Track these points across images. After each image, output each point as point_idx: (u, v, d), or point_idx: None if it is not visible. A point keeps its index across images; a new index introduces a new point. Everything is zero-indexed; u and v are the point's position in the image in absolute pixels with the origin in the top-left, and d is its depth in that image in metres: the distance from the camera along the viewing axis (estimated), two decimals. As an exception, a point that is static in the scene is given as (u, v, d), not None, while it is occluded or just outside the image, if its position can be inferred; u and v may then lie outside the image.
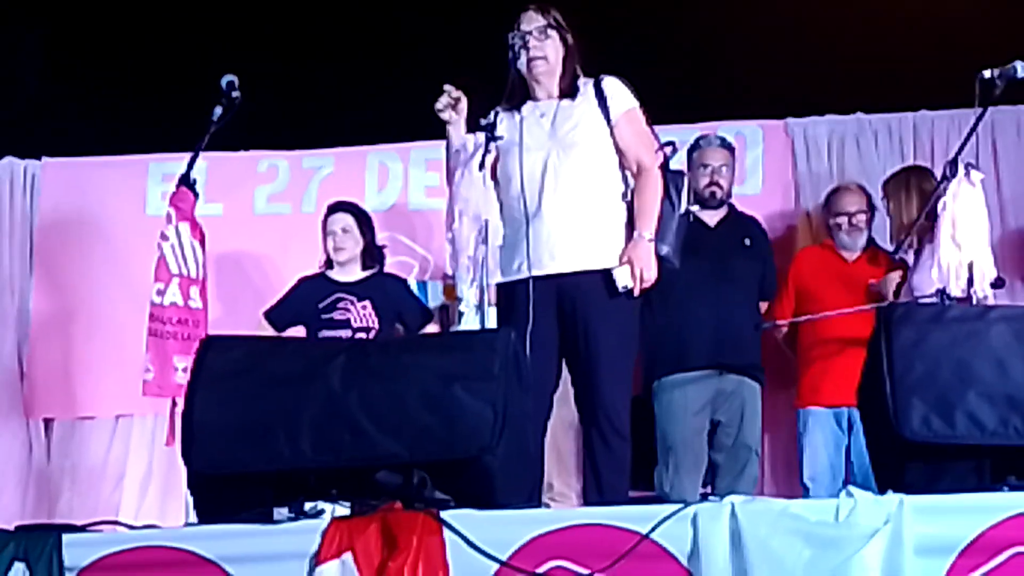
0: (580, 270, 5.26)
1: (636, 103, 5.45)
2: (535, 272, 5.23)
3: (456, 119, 5.33)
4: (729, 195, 6.80)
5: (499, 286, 5.32)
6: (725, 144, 6.83)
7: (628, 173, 5.41)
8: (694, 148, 6.82)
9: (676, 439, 6.48)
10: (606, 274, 5.26)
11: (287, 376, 4.31)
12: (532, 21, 5.42)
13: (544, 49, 5.39)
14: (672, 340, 6.54)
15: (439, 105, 5.34)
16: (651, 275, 5.28)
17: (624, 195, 5.40)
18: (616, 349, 5.28)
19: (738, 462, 6.55)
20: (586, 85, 5.45)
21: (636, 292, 5.28)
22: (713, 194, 6.74)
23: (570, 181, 5.31)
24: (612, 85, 5.44)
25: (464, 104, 5.33)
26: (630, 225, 5.34)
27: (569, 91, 5.42)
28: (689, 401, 6.51)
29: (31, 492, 7.57)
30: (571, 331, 5.27)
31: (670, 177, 5.46)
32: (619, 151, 5.40)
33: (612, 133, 5.39)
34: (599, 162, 5.37)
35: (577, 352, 5.28)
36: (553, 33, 5.42)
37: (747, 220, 6.89)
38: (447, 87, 5.34)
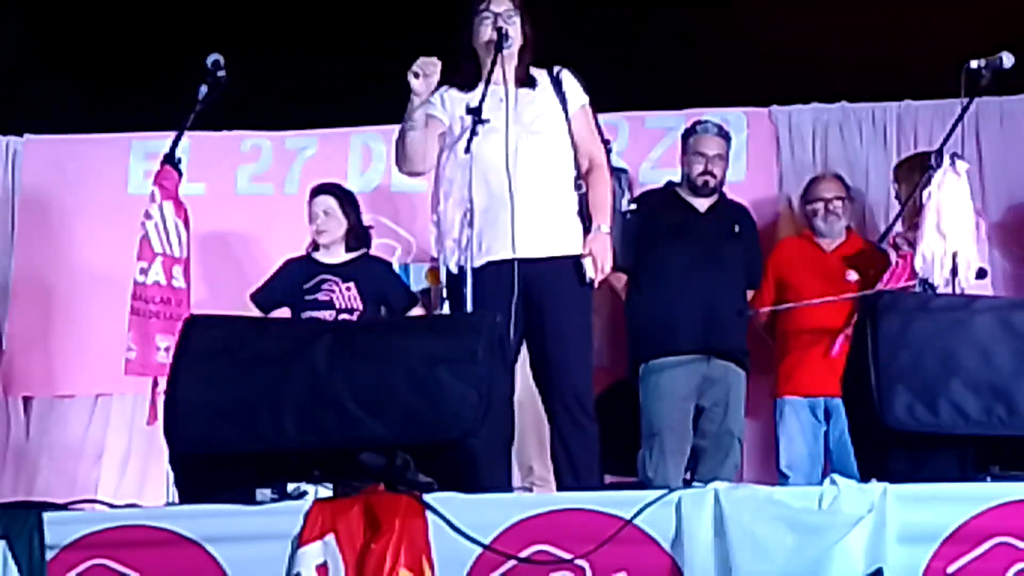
0: (545, 256, 5.29)
1: (587, 98, 5.50)
2: (502, 255, 5.23)
3: (423, 91, 5.24)
4: (722, 183, 6.80)
5: (461, 268, 5.27)
6: (722, 132, 6.82)
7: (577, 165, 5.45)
8: (690, 133, 6.83)
9: (663, 423, 6.47)
10: (571, 261, 5.31)
11: (271, 356, 4.31)
12: (502, 3, 5.42)
13: (510, 31, 5.38)
14: (661, 324, 6.54)
15: (415, 69, 5.21)
16: (609, 268, 5.37)
17: (578, 185, 5.42)
18: (581, 332, 5.34)
19: (721, 449, 6.55)
20: (540, 74, 5.48)
21: (596, 284, 5.35)
22: (706, 183, 6.73)
23: (536, 167, 5.32)
24: (569, 78, 5.50)
25: (435, 79, 5.25)
26: (581, 215, 5.39)
27: (525, 78, 5.43)
28: (677, 385, 6.51)
29: (8, 470, 7.54)
30: (536, 315, 5.28)
31: (613, 173, 5.56)
32: (573, 143, 5.43)
33: (569, 125, 5.43)
34: (559, 151, 5.41)
35: (543, 335, 5.30)
36: (518, 18, 5.43)
37: (737, 207, 6.90)
38: (422, 60, 5.24)
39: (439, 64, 5.18)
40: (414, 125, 5.30)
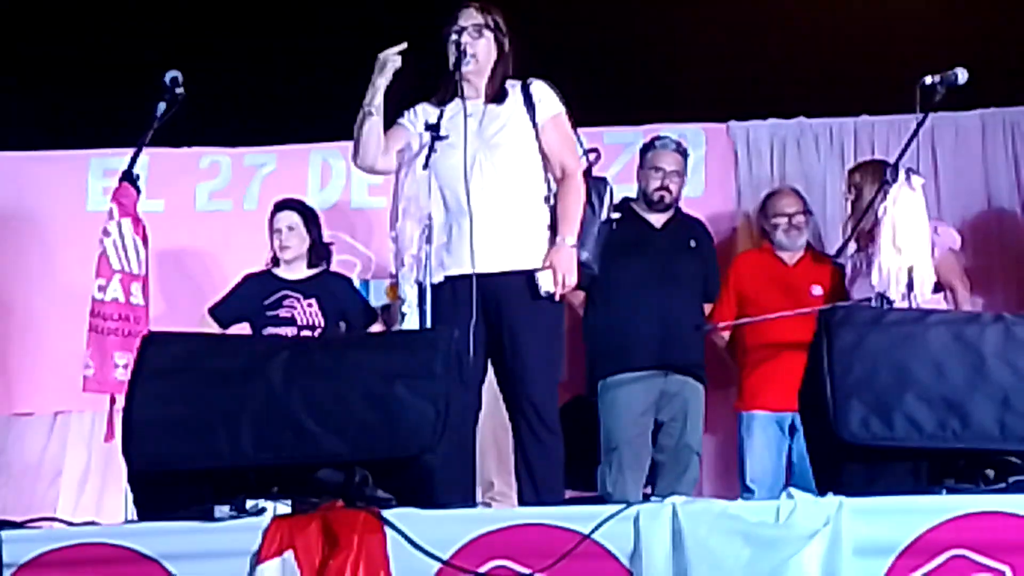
0: (505, 270, 5.26)
1: (563, 108, 5.45)
2: (461, 271, 5.23)
3: (387, 74, 5.27)
4: (678, 199, 6.81)
5: (420, 285, 5.25)
6: (679, 149, 6.81)
7: (551, 177, 5.42)
8: (648, 148, 6.82)
9: (620, 439, 6.47)
10: (530, 276, 5.27)
11: (228, 373, 4.30)
12: (469, 18, 5.40)
13: (476, 47, 5.36)
14: (617, 340, 6.54)
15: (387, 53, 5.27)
16: (573, 280, 5.29)
17: (547, 199, 5.40)
18: (543, 347, 5.29)
19: (680, 463, 6.55)
20: (514, 88, 5.44)
21: (557, 297, 5.29)
22: (662, 198, 6.73)
23: (495, 182, 5.30)
24: (540, 89, 5.44)
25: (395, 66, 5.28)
26: (552, 228, 5.35)
27: (497, 94, 5.40)
28: (634, 401, 6.51)
29: (-34, 489, 7.50)
30: (497, 330, 5.26)
31: (592, 183, 5.47)
32: (544, 155, 5.40)
33: (538, 137, 5.39)
34: (524, 164, 5.37)
35: (503, 350, 5.28)
36: (488, 34, 5.40)
37: (692, 222, 6.92)
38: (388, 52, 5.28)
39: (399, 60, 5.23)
40: (372, 111, 5.31)
